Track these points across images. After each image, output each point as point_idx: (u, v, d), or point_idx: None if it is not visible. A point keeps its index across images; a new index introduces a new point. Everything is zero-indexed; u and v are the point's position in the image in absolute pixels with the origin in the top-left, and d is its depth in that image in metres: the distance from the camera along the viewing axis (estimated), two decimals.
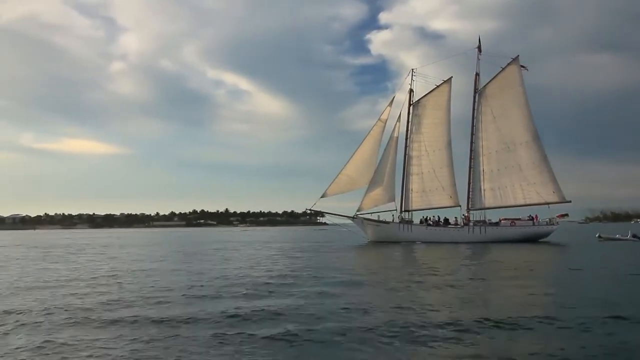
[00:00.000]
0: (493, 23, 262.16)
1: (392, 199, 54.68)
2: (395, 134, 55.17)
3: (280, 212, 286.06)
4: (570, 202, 52.37)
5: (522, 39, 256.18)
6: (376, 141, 54.81)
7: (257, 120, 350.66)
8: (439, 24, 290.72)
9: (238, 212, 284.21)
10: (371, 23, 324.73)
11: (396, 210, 54.62)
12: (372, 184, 54.01)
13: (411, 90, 56.02)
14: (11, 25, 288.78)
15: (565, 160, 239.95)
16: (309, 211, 57.36)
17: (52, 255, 39.38)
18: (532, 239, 50.71)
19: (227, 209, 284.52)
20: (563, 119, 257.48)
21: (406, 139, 55.77)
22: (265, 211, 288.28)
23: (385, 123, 55.07)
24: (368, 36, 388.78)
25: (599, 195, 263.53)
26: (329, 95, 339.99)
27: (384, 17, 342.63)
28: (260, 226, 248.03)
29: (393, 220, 54.33)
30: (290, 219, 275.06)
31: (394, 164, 54.99)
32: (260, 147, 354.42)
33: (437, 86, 55.46)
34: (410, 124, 55.82)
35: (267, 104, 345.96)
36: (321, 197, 54.05)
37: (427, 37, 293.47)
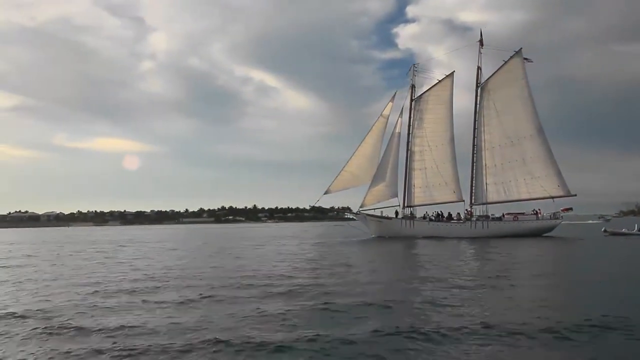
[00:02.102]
0: (523, 14, 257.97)
1: (395, 195, 54.82)
2: (397, 130, 55.24)
3: (308, 207, 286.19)
4: (575, 195, 51.55)
5: (553, 30, 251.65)
6: (378, 137, 54.86)
7: (284, 116, 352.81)
8: (467, 16, 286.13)
9: (266, 208, 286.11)
10: (398, 17, 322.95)
11: (399, 205, 54.75)
12: (375, 180, 54.11)
13: (413, 86, 55.99)
14: (44, 28, 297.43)
15: (596, 153, 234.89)
16: (308, 207, 57.84)
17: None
18: (536, 234, 50.17)
19: (255, 205, 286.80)
20: (594, 110, 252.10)
21: (408, 134, 55.76)
22: (293, 207, 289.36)
23: (388, 119, 55.13)
24: (395, 30, 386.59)
25: (635, 188, 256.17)
26: (356, 90, 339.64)
27: (411, 11, 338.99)
28: (288, 222, 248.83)
29: (396, 216, 54.46)
30: (317, 214, 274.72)
31: (397, 160, 55.14)
32: (287, 143, 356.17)
33: (439, 81, 55.23)
34: (412, 119, 55.77)
35: (294, 100, 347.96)
36: (324, 193, 54.41)
37: (456, 29, 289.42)
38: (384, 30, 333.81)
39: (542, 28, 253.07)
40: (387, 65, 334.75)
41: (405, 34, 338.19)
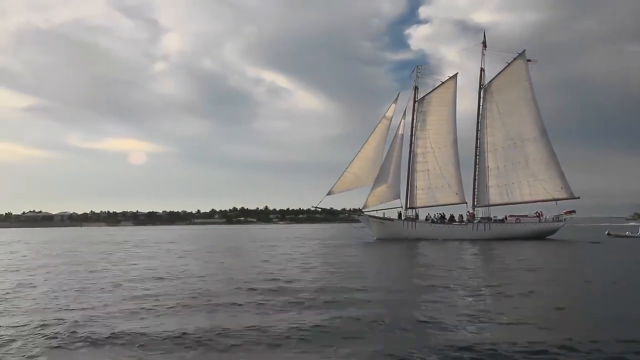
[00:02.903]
0: (536, 14, 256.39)
1: (398, 196, 54.85)
2: (400, 131, 55.28)
3: (314, 209, 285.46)
4: (578, 198, 51.22)
5: (566, 30, 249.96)
6: (381, 139, 54.91)
7: (296, 118, 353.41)
8: (480, 17, 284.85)
9: (277, 209, 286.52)
10: (410, 18, 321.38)
11: (401, 207, 54.81)
12: (377, 181, 54.22)
13: (416, 87, 56.05)
14: (59, 29, 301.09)
15: (610, 155, 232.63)
16: (313, 208, 58.17)
17: None
18: (538, 236, 49.96)
19: (266, 206, 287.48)
20: (608, 110, 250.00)
21: (411, 136, 55.80)
22: (305, 208, 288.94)
23: (391, 120, 55.22)
24: (407, 31, 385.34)
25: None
26: (368, 92, 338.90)
27: (423, 12, 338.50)
28: (300, 223, 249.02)
29: (399, 218, 54.53)
30: (329, 216, 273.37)
31: (399, 161, 55.13)
32: (299, 144, 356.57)
33: (442, 82, 55.32)
34: (415, 120, 55.81)
35: (306, 101, 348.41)
36: (327, 194, 54.66)
37: (468, 30, 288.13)
38: (396, 32, 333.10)
39: (555, 28, 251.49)
40: (399, 66, 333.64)
41: (417, 35, 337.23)
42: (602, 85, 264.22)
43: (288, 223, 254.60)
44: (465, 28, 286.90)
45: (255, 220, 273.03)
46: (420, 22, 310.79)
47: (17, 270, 25.50)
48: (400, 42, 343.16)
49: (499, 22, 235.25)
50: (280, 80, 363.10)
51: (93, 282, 20.10)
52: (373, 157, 54.65)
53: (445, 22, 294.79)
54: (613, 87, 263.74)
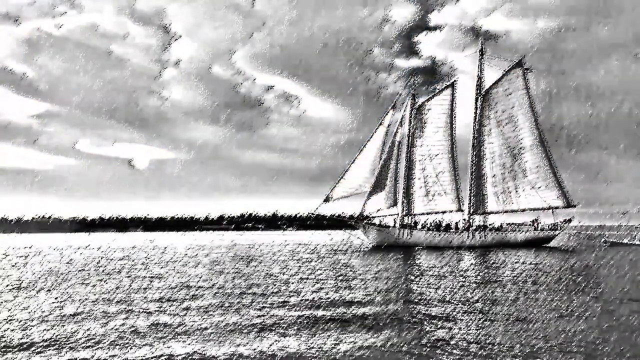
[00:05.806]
0: (548, 21, 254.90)
1: (395, 203, 54.71)
2: (398, 138, 55.19)
3: (311, 215, 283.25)
4: (575, 206, 51.03)
5: (579, 37, 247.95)
6: (379, 145, 54.87)
7: (306, 124, 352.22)
8: (491, 24, 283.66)
9: (286, 215, 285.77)
10: (421, 25, 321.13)
11: (397, 214, 54.67)
12: (374, 188, 54.20)
13: (413, 95, 56.07)
14: (71, 35, 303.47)
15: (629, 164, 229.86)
16: (312, 215, 58.16)
17: None
18: (535, 244, 49.81)
19: (274, 212, 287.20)
20: (625, 118, 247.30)
21: (408, 143, 55.74)
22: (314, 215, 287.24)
23: (388, 127, 55.15)
24: (418, 38, 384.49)
25: None
26: (379, 98, 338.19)
27: (434, 18, 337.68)
28: (309, 230, 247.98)
29: (395, 225, 54.45)
30: (336, 222, 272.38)
31: (396, 168, 55.01)
32: (309, 151, 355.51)
33: (440, 90, 55.30)
34: (413, 127, 55.78)
35: (316, 107, 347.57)
36: (324, 201, 54.80)
37: (480, 37, 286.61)
38: (406, 38, 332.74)
39: (568, 35, 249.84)
40: (409, 72, 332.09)
41: (428, 42, 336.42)
42: (618, 92, 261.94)
43: (296, 229, 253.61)
44: (476, 35, 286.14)
45: (263, 226, 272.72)
46: (431, 28, 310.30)
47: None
48: (411, 49, 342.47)
49: (511, 29, 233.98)
50: (291, 86, 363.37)
51: None
52: (371, 163, 54.61)
53: (456, 28, 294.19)
54: (628, 93, 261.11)
